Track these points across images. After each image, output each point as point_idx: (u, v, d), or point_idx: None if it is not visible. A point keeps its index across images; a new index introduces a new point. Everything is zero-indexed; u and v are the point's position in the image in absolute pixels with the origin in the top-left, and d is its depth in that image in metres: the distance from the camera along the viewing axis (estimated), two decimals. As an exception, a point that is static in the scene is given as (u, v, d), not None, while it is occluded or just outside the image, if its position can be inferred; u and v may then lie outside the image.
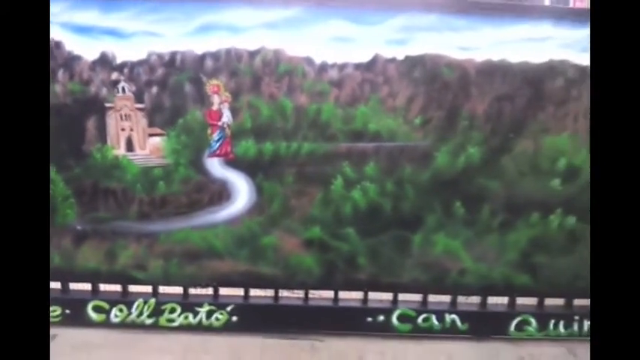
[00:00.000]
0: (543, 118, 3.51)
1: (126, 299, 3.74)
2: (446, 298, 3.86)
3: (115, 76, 3.34)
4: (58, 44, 3.27)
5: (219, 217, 3.57)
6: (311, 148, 3.49)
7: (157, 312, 3.74)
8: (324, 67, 3.37)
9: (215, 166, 3.50)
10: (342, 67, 3.37)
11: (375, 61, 3.37)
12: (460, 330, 3.82)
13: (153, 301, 3.73)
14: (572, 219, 3.65)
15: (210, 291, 3.76)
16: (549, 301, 3.90)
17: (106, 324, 3.73)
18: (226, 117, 3.41)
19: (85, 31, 3.26)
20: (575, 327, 3.88)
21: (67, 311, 3.71)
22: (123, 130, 3.42)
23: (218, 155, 3.48)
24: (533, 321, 3.85)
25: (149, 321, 3.74)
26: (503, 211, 3.63)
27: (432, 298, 3.85)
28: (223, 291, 3.79)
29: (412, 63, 3.39)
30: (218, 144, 3.45)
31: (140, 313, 3.73)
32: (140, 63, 3.32)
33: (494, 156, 3.54)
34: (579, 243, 3.69)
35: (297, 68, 3.36)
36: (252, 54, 3.33)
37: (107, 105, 3.38)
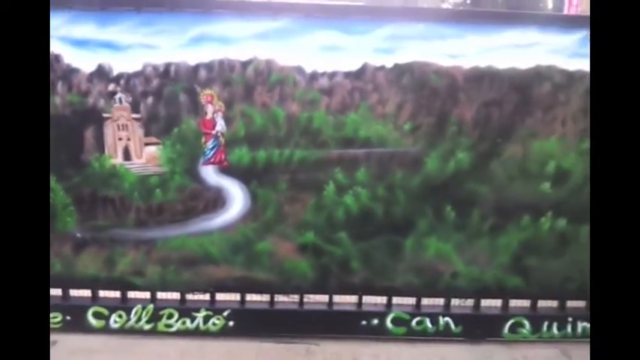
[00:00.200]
0: (531, 123, 3.57)
1: (125, 305, 3.81)
2: (439, 301, 3.90)
3: (111, 87, 3.44)
4: (57, 57, 3.37)
5: (214, 223, 3.65)
6: (303, 155, 3.57)
7: (155, 317, 3.81)
8: (314, 76, 3.46)
9: (210, 174, 3.58)
10: (332, 75, 3.46)
11: (364, 69, 3.45)
12: (454, 333, 3.87)
13: (151, 306, 3.80)
14: (563, 221, 3.70)
15: (206, 296, 3.83)
16: (542, 303, 3.94)
17: (106, 330, 3.80)
18: (220, 126, 3.49)
19: (83, 45, 3.36)
20: (569, 328, 3.92)
21: (68, 317, 3.78)
22: (120, 139, 3.51)
23: (212, 163, 3.56)
24: (526, 323, 3.89)
25: (147, 326, 3.81)
26: (494, 215, 3.69)
27: (426, 301, 3.90)
28: (220, 296, 3.86)
29: (401, 71, 3.47)
30: (212, 152, 3.53)
31: (139, 319, 3.80)
32: (136, 74, 3.42)
33: (484, 161, 3.61)
34: (570, 245, 3.75)
35: (289, 77, 3.44)
36: (245, 64, 3.42)
37: (105, 115, 3.48)
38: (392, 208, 3.67)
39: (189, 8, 3.36)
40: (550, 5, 16.70)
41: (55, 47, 3.34)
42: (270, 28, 3.36)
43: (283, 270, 3.75)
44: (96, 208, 3.61)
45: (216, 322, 3.82)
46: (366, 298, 3.88)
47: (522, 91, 3.51)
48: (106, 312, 3.80)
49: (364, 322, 3.84)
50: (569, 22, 3.53)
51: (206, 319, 3.81)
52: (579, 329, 3.91)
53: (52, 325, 3.68)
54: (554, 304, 3.96)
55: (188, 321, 3.82)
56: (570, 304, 3.94)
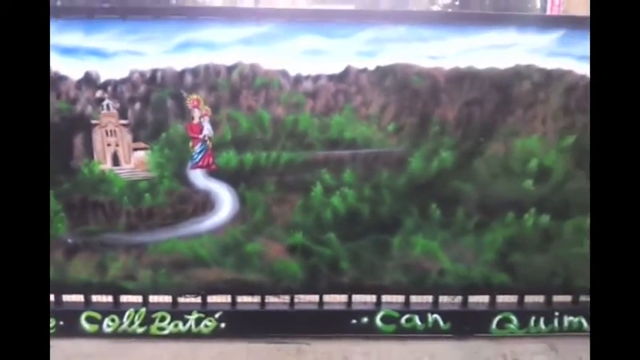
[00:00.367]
0: (512, 122, 3.64)
1: (117, 309, 3.85)
2: (428, 299, 3.96)
3: (99, 94, 3.49)
4: (45, 66, 3.42)
5: (204, 226, 3.70)
6: (290, 157, 3.63)
7: (147, 321, 3.85)
8: (298, 80, 3.52)
9: (198, 178, 3.64)
10: (316, 78, 3.52)
11: (347, 72, 3.52)
12: (442, 329, 3.92)
13: (143, 310, 3.84)
14: (546, 217, 3.77)
15: (198, 299, 3.88)
16: (529, 299, 4.00)
17: (99, 334, 3.84)
18: (207, 130, 3.55)
19: (70, 52, 3.41)
20: (556, 323, 3.97)
21: (61, 323, 3.82)
22: (109, 145, 3.57)
23: (201, 167, 3.62)
24: (514, 318, 3.95)
25: (140, 330, 3.85)
26: (478, 212, 3.75)
27: (414, 298, 3.95)
28: (211, 298, 3.91)
29: (383, 73, 3.53)
30: (200, 156, 3.59)
31: (131, 323, 3.85)
32: (123, 81, 3.47)
33: (467, 159, 3.67)
34: (554, 240, 3.82)
35: (273, 81, 3.50)
36: (230, 69, 3.48)
37: (93, 122, 3.53)
38: (378, 207, 3.73)
39: (174, 15, 3.43)
40: (538, 5, 16.88)
41: (44, 56, 3.39)
42: (254, 34, 3.42)
43: (273, 271, 3.80)
44: (86, 213, 3.65)
45: (208, 324, 3.86)
46: (356, 297, 3.92)
47: (503, 90, 3.58)
48: (98, 316, 3.84)
49: (354, 321, 3.89)
50: (546, 22, 3.61)
51: (198, 321, 3.86)
52: (566, 323, 3.97)
53: (45, 331, 3.71)
54: (540, 299, 4.01)
55: (180, 323, 3.86)
56: (556, 298, 4.00)
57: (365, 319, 3.90)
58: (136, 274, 3.76)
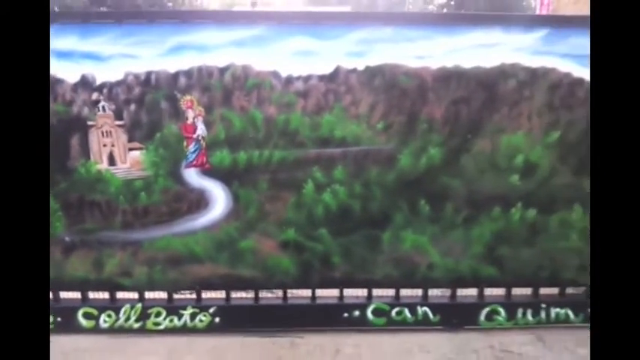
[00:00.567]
0: (498, 119, 3.74)
1: (114, 305, 3.94)
2: (417, 292, 4.06)
3: (95, 96, 3.57)
4: (42, 69, 3.50)
5: (198, 223, 3.79)
6: (282, 155, 3.72)
7: (143, 316, 3.94)
8: (289, 80, 3.61)
9: (192, 176, 3.73)
10: (306, 79, 3.61)
11: (337, 72, 3.61)
12: (432, 322, 4.02)
13: (139, 306, 3.93)
14: (533, 212, 3.87)
15: (193, 294, 3.97)
16: (516, 291, 4.10)
17: (96, 329, 3.93)
18: (201, 130, 3.64)
19: (66, 56, 3.49)
20: (543, 315, 4.08)
21: (59, 319, 3.90)
22: (105, 145, 3.65)
23: (195, 166, 3.70)
24: (501, 310, 4.05)
25: (136, 325, 3.95)
26: (466, 207, 3.85)
27: (404, 292, 4.05)
28: (205, 294, 4.00)
29: (372, 73, 3.63)
30: (194, 155, 3.68)
31: (127, 318, 3.94)
32: (118, 83, 3.56)
33: (454, 156, 3.77)
34: (540, 234, 3.91)
35: (265, 82, 3.60)
36: (222, 70, 3.57)
37: (89, 123, 3.62)
38: (369, 203, 3.83)
39: (167, 19, 3.52)
40: (533, 4, 16.99)
41: (40, 59, 3.47)
42: (246, 36, 3.51)
43: (266, 266, 3.89)
44: (83, 212, 3.74)
45: (203, 318, 3.95)
46: (347, 291, 4.02)
47: (489, 88, 3.67)
48: (95, 312, 3.93)
49: (346, 314, 3.99)
50: (530, 22, 3.70)
51: (193, 316, 3.95)
52: (553, 315, 4.08)
53: (44, 327, 3.79)
54: (527, 291, 4.12)
55: (175, 318, 3.95)
56: (543, 291, 4.11)
57: (356, 313, 4.00)
58: (132, 270, 3.85)
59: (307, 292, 4.02)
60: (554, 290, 4.12)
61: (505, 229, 3.88)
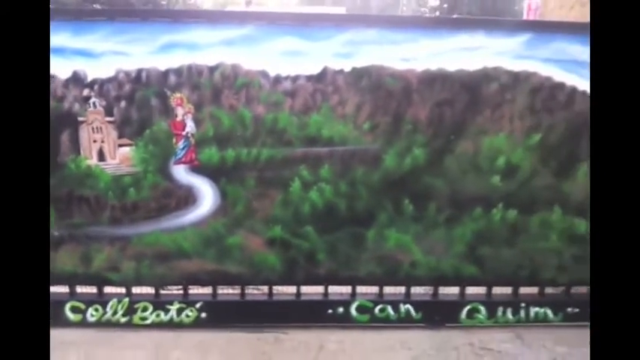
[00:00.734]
0: (481, 121, 3.83)
1: (101, 299, 3.98)
2: (400, 289, 4.13)
3: (86, 92, 3.62)
4: (34, 64, 3.55)
5: (186, 220, 3.85)
6: (270, 153, 3.79)
7: (130, 311, 3.98)
8: (278, 80, 3.68)
9: (181, 173, 3.79)
10: (294, 78, 3.69)
11: (324, 72, 3.69)
12: (414, 319, 4.10)
13: (126, 300, 3.97)
14: (513, 212, 3.96)
15: (180, 290, 4.02)
16: (497, 290, 4.19)
17: (83, 323, 3.97)
18: (190, 127, 3.70)
19: (58, 52, 3.53)
20: (522, 313, 4.17)
21: (47, 313, 3.93)
22: (95, 141, 3.70)
23: (183, 162, 3.76)
24: (482, 309, 4.14)
25: (123, 319, 3.98)
26: (449, 207, 3.94)
27: (388, 289, 4.13)
28: (192, 289, 4.05)
29: (359, 74, 3.71)
30: (183, 152, 3.74)
31: (115, 312, 3.98)
32: (109, 80, 3.62)
33: (438, 156, 3.85)
34: (521, 235, 4.01)
35: (254, 81, 3.67)
36: (212, 69, 3.63)
37: (80, 119, 3.67)
38: (354, 202, 3.90)
39: (158, 18, 3.58)
40: (524, 8, 17.18)
41: (32, 55, 3.52)
42: (236, 35, 3.58)
43: (253, 263, 3.95)
44: (72, 207, 3.78)
45: (190, 313, 4.01)
46: (332, 288, 4.09)
47: (472, 91, 3.77)
48: (82, 306, 3.96)
49: (330, 311, 4.06)
50: (513, 27, 3.80)
51: (179, 311, 4.00)
52: (532, 314, 4.17)
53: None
54: (507, 290, 4.20)
55: (162, 313, 4.00)
56: (523, 290, 4.19)
57: (340, 309, 4.07)
58: (120, 265, 3.89)
59: (292, 289, 4.08)
60: (534, 290, 4.21)
61: (486, 229, 3.98)
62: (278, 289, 4.10)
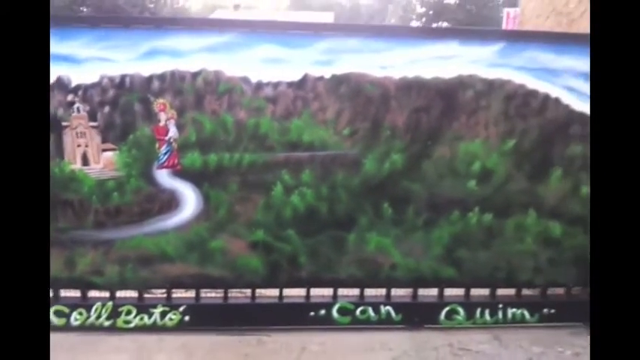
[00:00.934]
0: (457, 127, 3.96)
1: (85, 303, 4.00)
2: (381, 292, 4.21)
3: (70, 97, 3.68)
4: (18, 71, 3.60)
5: (169, 224, 3.89)
6: (252, 158, 3.87)
7: (114, 314, 4.00)
8: (259, 86, 3.78)
9: (164, 177, 3.84)
10: (276, 85, 3.78)
11: (305, 79, 3.80)
12: (394, 320, 4.18)
13: (110, 304, 3.99)
14: (489, 216, 4.08)
15: (163, 293, 4.06)
16: (475, 292, 4.29)
17: (67, 327, 3.97)
18: (173, 132, 3.77)
19: (43, 58, 3.60)
20: (500, 314, 4.26)
21: (29, 317, 3.94)
22: (79, 146, 3.75)
23: (166, 167, 3.83)
24: (460, 310, 4.23)
25: (107, 323, 4.00)
26: (427, 211, 4.04)
27: (368, 291, 4.21)
28: (176, 293, 4.09)
29: (338, 81, 3.82)
30: (166, 157, 3.80)
31: (98, 316, 3.99)
32: (93, 86, 3.69)
33: (416, 161, 3.97)
34: (496, 237, 4.12)
35: (236, 87, 3.76)
36: (194, 75, 3.72)
37: (64, 124, 3.72)
38: (335, 206, 3.99)
39: (142, 24, 3.67)
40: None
41: (17, 61, 3.57)
42: (218, 42, 3.68)
43: (236, 266, 4.00)
44: (56, 211, 3.80)
45: (173, 317, 4.04)
46: (314, 291, 4.16)
47: (447, 98, 3.89)
48: (66, 310, 3.97)
49: (312, 313, 4.12)
50: (486, 36, 3.95)
51: (163, 314, 4.03)
52: (509, 315, 4.26)
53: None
54: (485, 292, 4.30)
55: (146, 317, 4.02)
56: (500, 291, 4.30)
57: (322, 312, 4.13)
58: (104, 269, 3.92)
59: (275, 292, 4.13)
60: (511, 291, 4.32)
61: (463, 232, 4.08)
62: (260, 292, 4.15)
